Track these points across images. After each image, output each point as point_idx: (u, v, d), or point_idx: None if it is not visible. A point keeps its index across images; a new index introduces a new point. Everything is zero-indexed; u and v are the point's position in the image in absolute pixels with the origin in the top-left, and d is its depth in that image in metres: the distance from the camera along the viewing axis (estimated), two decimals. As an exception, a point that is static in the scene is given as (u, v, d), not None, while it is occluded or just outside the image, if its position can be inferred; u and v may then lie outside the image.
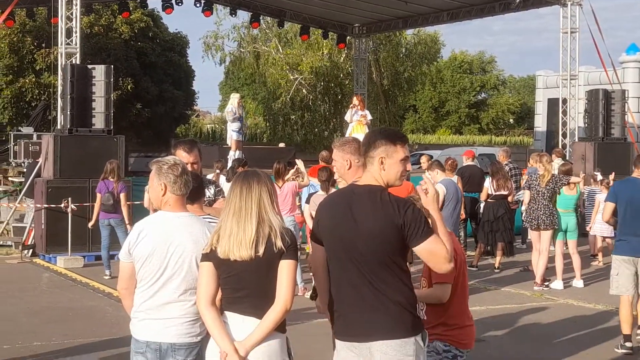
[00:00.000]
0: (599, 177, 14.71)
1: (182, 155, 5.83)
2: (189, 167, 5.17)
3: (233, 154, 19.39)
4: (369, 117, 20.32)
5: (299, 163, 12.91)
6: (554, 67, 28.12)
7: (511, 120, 71.10)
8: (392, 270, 4.02)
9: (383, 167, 4.09)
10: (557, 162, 15.35)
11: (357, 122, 20.05)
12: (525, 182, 12.94)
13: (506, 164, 15.77)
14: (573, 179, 13.00)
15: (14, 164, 21.96)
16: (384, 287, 4.00)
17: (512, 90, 78.36)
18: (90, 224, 13.56)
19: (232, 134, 20.04)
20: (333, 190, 8.41)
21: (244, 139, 21.09)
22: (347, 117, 20.29)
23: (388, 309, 4.00)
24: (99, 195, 12.99)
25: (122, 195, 12.90)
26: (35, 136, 22.23)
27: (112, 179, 12.96)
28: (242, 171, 4.50)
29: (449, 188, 11.41)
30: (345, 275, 4.07)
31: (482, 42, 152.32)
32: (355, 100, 20.37)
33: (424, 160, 16.20)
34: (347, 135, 20.34)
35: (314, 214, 5.98)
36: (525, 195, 12.65)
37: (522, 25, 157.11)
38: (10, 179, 21.10)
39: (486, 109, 70.21)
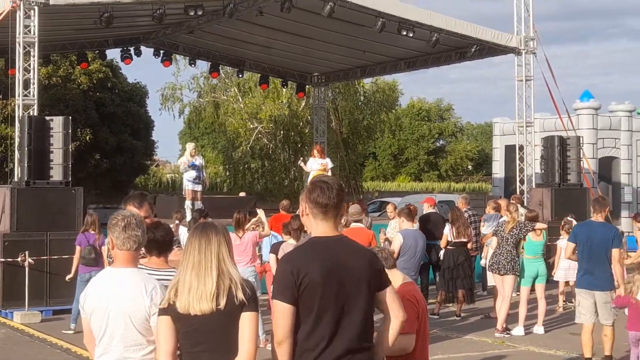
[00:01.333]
0: (574, 222, 14.86)
1: (133, 211, 5.81)
2: None
3: (189, 204, 19.31)
4: (330, 164, 20.48)
5: (260, 212, 12.91)
6: (510, 114, 28.57)
7: (469, 166, 71.93)
8: (368, 314, 4.24)
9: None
10: (522, 210, 15.58)
11: (318, 170, 20.16)
12: (493, 229, 13.13)
13: (465, 211, 15.91)
14: (538, 225, 13.18)
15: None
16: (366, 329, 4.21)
17: (470, 137, 79.42)
18: (68, 277, 13.33)
19: (187, 184, 19.99)
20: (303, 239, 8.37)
21: (204, 188, 21.01)
22: (308, 167, 20.36)
23: (369, 350, 4.22)
24: (78, 248, 12.84)
25: (103, 248, 12.75)
26: (-9, 189, 21.88)
27: (92, 232, 12.83)
28: (198, 224, 4.50)
29: (406, 237, 11.48)
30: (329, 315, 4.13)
31: (440, 90, 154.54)
32: (314, 151, 20.57)
33: (390, 209, 16.33)
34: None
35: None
36: (492, 242, 12.80)
37: (478, 73, 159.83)
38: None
39: (445, 155, 71.00)
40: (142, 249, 4.89)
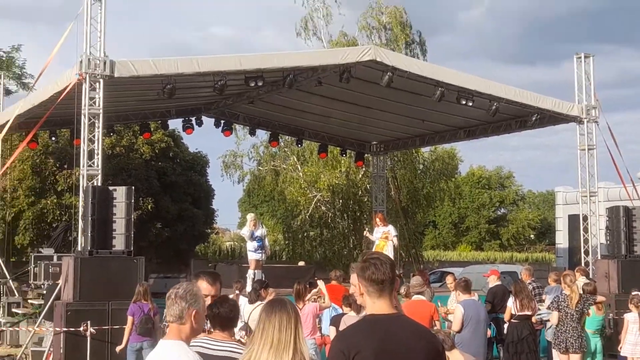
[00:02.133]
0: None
1: (204, 287, 5.76)
2: (208, 300, 5.16)
3: (252, 273, 19.32)
4: (393, 232, 20.48)
5: (321, 284, 12.81)
6: (572, 182, 28.13)
7: (532, 235, 70.83)
8: None
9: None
10: (581, 281, 15.12)
11: (380, 238, 20.31)
12: (553, 303, 12.70)
13: (529, 283, 15.54)
14: (599, 298, 12.78)
15: (33, 286, 21.92)
16: None
17: (532, 205, 78.40)
18: (118, 348, 13.33)
19: (249, 254, 20.08)
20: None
21: (265, 257, 21.02)
22: (373, 236, 20.56)
23: None
24: (130, 319, 12.84)
25: (156, 318, 12.75)
26: (55, 257, 22.26)
27: (145, 301, 12.86)
28: (275, 300, 4.54)
29: (467, 308, 11.21)
30: None
31: (500, 157, 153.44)
32: (376, 220, 20.72)
33: (449, 280, 16.03)
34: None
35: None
36: (553, 317, 12.41)
37: (539, 140, 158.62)
38: (29, 301, 21.03)
39: (506, 224, 70.11)
40: (207, 322, 4.89)
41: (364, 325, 4.19)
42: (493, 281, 15.41)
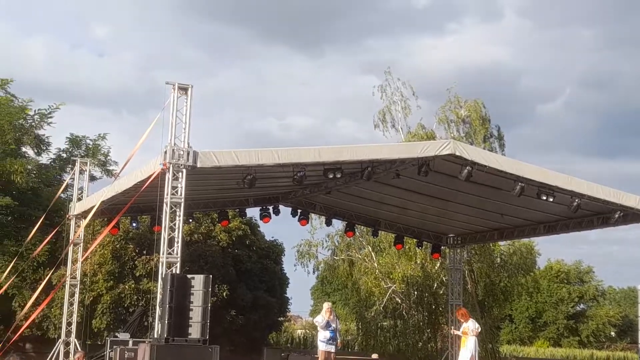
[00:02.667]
0: None
1: None
2: None
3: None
4: (472, 326, 20.21)
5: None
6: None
7: (612, 333, 68.50)
8: None
9: None
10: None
11: (462, 333, 20.31)
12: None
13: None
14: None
15: (108, 371, 22.07)
16: None
17: (612, 301, 76.08)
18: None
19: (320, 344, 19.91)
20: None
21: (336, 349, 20.77)
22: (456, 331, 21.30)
23: None
24: None
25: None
26: (131, 342, 22.43)
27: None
28: None
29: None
30: None
31: (578, 251, 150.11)
32: (457, 316, 20.76)
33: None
34: None
35: None
36: None
37: (619, 234, 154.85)
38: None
39: (585, 320, 68.03)
40: None
41: None
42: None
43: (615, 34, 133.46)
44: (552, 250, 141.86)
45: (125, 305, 27.84)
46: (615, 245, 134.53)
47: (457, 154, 18.80)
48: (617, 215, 21.38)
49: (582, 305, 70.66)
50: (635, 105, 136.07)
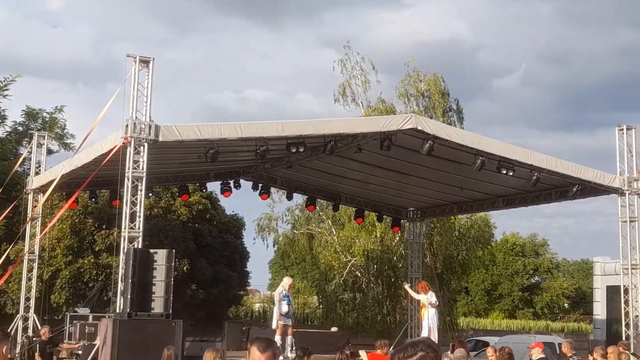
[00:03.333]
0: None
1: (256, 354, 5.74)
2: None
3: (279, 339, 19.18)
4: (432, 299, 20.50)
5: (363, 354, 12.69)
6: (608, 251, 27.80)
7: (566, 304, 69.71)
8: None
9: None
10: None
11: (421, 305, 20.66)
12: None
13: (570, 356, 15.26)
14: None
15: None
16: None
17: (566, 274, 77.34)
18: None
19: (281, 318, 19.99)
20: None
21: (293, 322, 20.97)
22: (413, 292, 21.88)
23: None
24: None
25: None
26: (91, 317, 22.29)
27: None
28: None
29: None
30: None
31: (534, 224, 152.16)
32: (417, 288, 21.17)
33: (490, 352, 15.73)
34: None
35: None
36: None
37: (573, 208, 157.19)
38: (63, 360, 20.98)
39: (540, 292, 69.11)
40: None
41: None
42: (537, 354, 15.12)
43: (573, 10, 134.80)
44: (508, 223, 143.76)
45: (85, 280, 27.65)
46: (570, 219, 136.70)
47: (419, 128, 18.90)
48: (575, 189, 21.69)
49: (536, 278, 71.69)
50: (591, 79, 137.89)
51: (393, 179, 25.23)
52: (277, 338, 19.25)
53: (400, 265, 35.33)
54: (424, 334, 20.27)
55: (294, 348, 18.56)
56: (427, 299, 20.65)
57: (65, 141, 33.96)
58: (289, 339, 19.70)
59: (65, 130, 34.25)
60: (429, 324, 20.41)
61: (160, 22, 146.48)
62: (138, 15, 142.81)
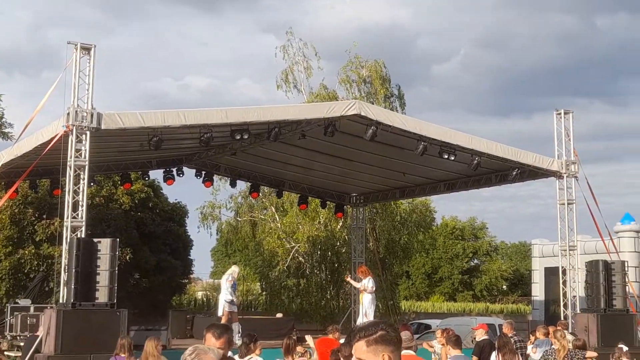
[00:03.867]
0: (625, 348, 14.49)
1: (211, 341, 5.80)
2: None
3: (226, 326, 19.23)
4: (369, 284, 20.71)
5: (309, 339, 12.78)
6: (545, 234, 28.42)
7: (504, 287, 71.02)
8: None
9: None
10: (569, 336, 15.21)
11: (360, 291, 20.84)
12: (542, 357, 12.79)
13: (511, 337, 15.58)
14: (589, 353, 12.87)
15: (9, 337, 21.57)
16: None
17: (504, 256, 78.75)
18: None
19: (224, 305, 20.04)
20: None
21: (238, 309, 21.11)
22: (355, 282, 21.65)
23: None
24: None
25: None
26: (32, 308, 21.97)
27: (123, 355, 12.73)
28: None
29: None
30: None
31: (472, 207, 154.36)
32: (357, 272, 21.32)
33: (439, 334, 15.95)
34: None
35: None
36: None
37: (511, 191, 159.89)
38: (5, 353, 20.65)
39: (479, 275, 70.28)
40: None
41: None
42: (480, 335, 15.44)
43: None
44: (447, 207, 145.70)
45: (25, 271, 27.23)
46: (506, 202, 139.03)
47: (363, 114, 19.04)
48: (514, 173, 22.12)
49: (475, 261, 72.88)
50: (527, 64, 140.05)
51: (337, 165, 25.37)
52: (224, 325, 19.31)
53: (344, 250, 35.56)
54: (359, 319, 20.51)
55: (240, 335, 18.59)
56: (364, 284, 20.87)
57: (4, 130, 33.26)
58: (235, 325, 19.75)
59: (4, 120, 33.53)
60: (365, 309, 20.63)
61: (96, 7, 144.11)
62: (74, 0, 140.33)
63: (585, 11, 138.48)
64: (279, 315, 29.32)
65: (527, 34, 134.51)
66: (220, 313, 20.34)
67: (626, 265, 21.43)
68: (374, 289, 21.40)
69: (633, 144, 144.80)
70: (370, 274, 21.54)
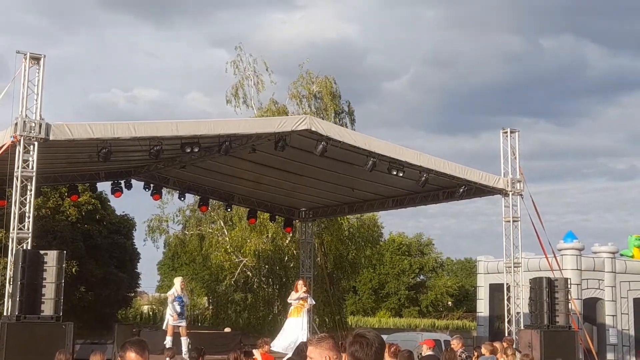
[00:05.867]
0: None
1: (132, 357, 5.72)
2: None
3: (170, 340, 19.10)
4: (311, 301, 20.68)
5: (257, 353, 12.81)
6: (490, 251, 28.82)
7: (450, 302, 71.71)
8: None
9: None
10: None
11: (298, 304, 20.38)
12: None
13: (460, 353, 15.78)
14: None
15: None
16: None
17: (450, 272, 79.54)
18: None
19: (169, 319, 19.88)
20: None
21: (187, 322, 20.86)
22: (290, 299, 20.69)
23: None
24: None
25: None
26: (-24, 321, 21.50)
27: (62, 371, 12.59)
28: None
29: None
30: None
31: (418, 224, 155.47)
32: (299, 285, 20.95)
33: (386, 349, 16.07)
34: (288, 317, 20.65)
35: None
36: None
37: (456, 208, 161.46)
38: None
39: (425, 291, 70.89)
40: None
41: None
42: (425, 350, 15.60)
43: (457, 14, 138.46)
44: (394, 223, 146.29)
45: (-31, 283, 26.65)
46: (452, 219, 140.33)
47: (313, 129, 19.16)
48: (462, 190, 22.42)
49: (422, 277, 73.51)
50: (474, 83, 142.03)
51: (286, 180, 25.44)
52: (169, 339, 19.16)
53: (292, 265, 35.64)
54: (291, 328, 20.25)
55: (189, 349, 18.51)
56: (290, 298, 20.84)
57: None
58: (184, 339, 19.63)
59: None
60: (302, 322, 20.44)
61: (45, 15, 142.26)
62: (21, 7, 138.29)
63: (531, 32, 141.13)
64: (227, 329, 29.19)
65: (473, 53, 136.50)
66: (164, 327, 20.19)
67: (569, 282, 21.82)
68: (296, 301, 21.26)
69: (574, 164, 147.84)
70: (300, 288, 21.22)
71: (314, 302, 21.10)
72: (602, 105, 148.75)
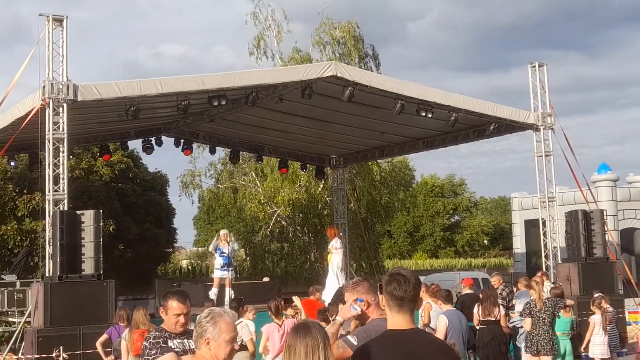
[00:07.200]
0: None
1: (174, 306, 5.88)
2: (182, 318, 5.36)
3: (215, 292, 19.32)
4: (337, 245, 20.75)
5: (296, 300, 12.93)
6: (524, 187, 28.66)
7: (485, 241, 71.76)
8: None
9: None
10: (547, 285, 15.49)
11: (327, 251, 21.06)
12: (525, 310, 12.99)
13: (502, 289, 15.85)
14: (568, 301, 13.14)
15: (-3, 313, 21.61)
16: None
17: (484, 211, 79.44)
18: None
19: (215, 271, 20.12)
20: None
21: (234, 275, 21.00)
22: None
23: None
24: (104, 337, 12.90)
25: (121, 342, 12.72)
26: (18, 284, 22.01)
27: (122, 324, 12.87)
28: (299, 326, 4.36)
29: (451, 318, 11.39)
30: None
31: (450, 165, 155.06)
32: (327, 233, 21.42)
33: (423, 289, 16.17)
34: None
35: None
36: (526, 324, 12.69)
37: (487, 147, 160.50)
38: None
39: (460, 231, 70.96)
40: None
41: (384, 340, 4.34)
42: (464, 289, 15.68)
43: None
44: (425, 166, 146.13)
45: (9, 247, 27.18)
46: (483, 157, 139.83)
47: (339, 75, 19.05)
48: (492, 127, 22.22)
49: (456, 217, 73.53)
50: (503, 19, 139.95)
51: (315, 128, 25.39)
52: (214, 291, 19.42)
53: (326, 212, 35.73)
54: (329, 279, 20.56)
55: (231, 299, 18.74)
56: (332, 244, 21.02)
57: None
58: (228, 291, 19.84)
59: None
60: (333, 270, 20.74)
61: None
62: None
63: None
64: (266, 279, 29.50)
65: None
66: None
67: (605, 213, 21.69)
68: (342, 248, 21.52)
69: (607, 95, 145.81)
70: (336, 234, 21.58)
71: (338, 245, 21.22)
72: (632, 33, 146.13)
